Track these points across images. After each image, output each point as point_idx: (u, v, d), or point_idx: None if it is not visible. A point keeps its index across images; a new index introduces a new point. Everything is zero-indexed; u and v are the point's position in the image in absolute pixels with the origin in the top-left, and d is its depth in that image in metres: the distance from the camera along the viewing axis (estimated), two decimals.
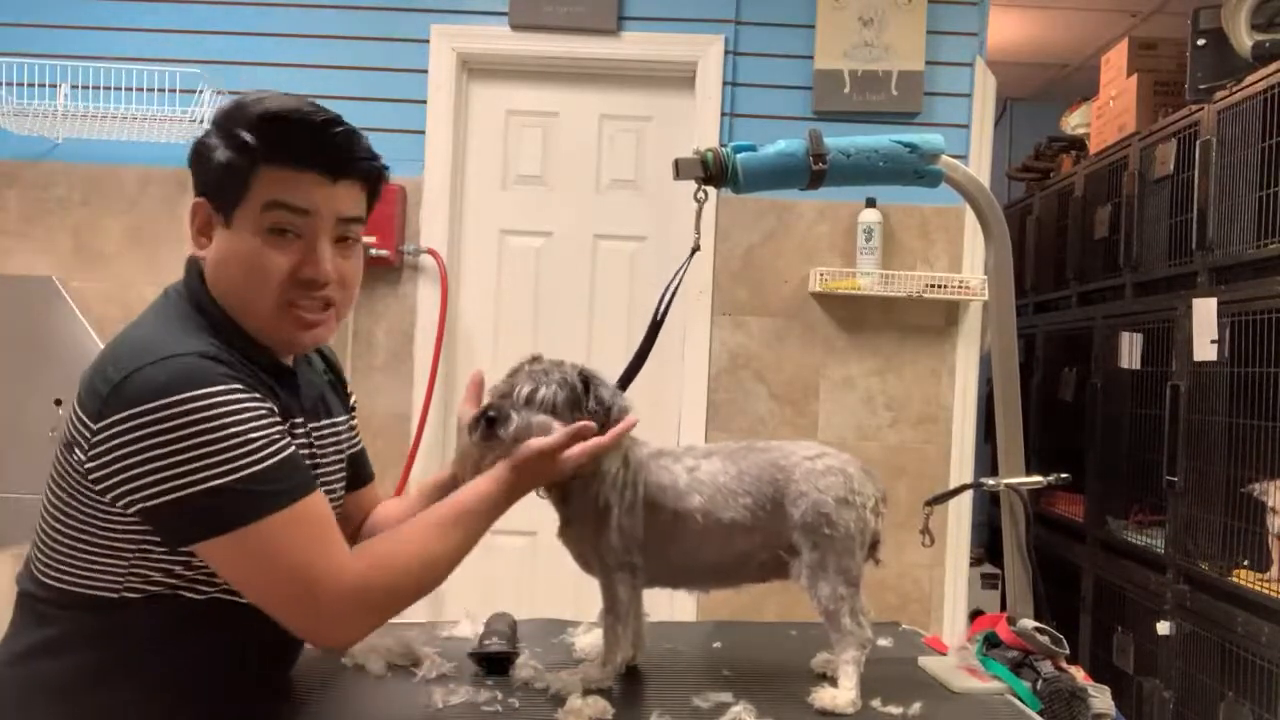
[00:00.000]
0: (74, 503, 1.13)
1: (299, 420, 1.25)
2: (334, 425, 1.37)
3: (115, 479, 1.08)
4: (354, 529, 1.49)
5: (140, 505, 1.08)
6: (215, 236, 1.22)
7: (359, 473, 1.48)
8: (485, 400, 1.34)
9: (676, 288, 1.51)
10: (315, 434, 1.30)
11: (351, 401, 1.48)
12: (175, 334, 1.15)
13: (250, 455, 1.08)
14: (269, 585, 1.11)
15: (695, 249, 1.53)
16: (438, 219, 3.30)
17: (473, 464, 1.32)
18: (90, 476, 1.09)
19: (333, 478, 1.35)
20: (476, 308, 3.40)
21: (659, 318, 1.51)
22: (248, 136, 1.17)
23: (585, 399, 1.30)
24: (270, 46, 3.29)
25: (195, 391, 1.07)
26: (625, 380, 1.48)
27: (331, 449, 1.35)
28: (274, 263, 1.19)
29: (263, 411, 1.11)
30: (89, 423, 1.09)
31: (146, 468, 1.06)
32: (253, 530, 1.08)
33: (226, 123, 1.19)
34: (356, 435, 1.48)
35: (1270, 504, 2.49)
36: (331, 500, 1.34)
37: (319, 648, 1.17)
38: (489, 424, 1.28)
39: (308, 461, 1.24)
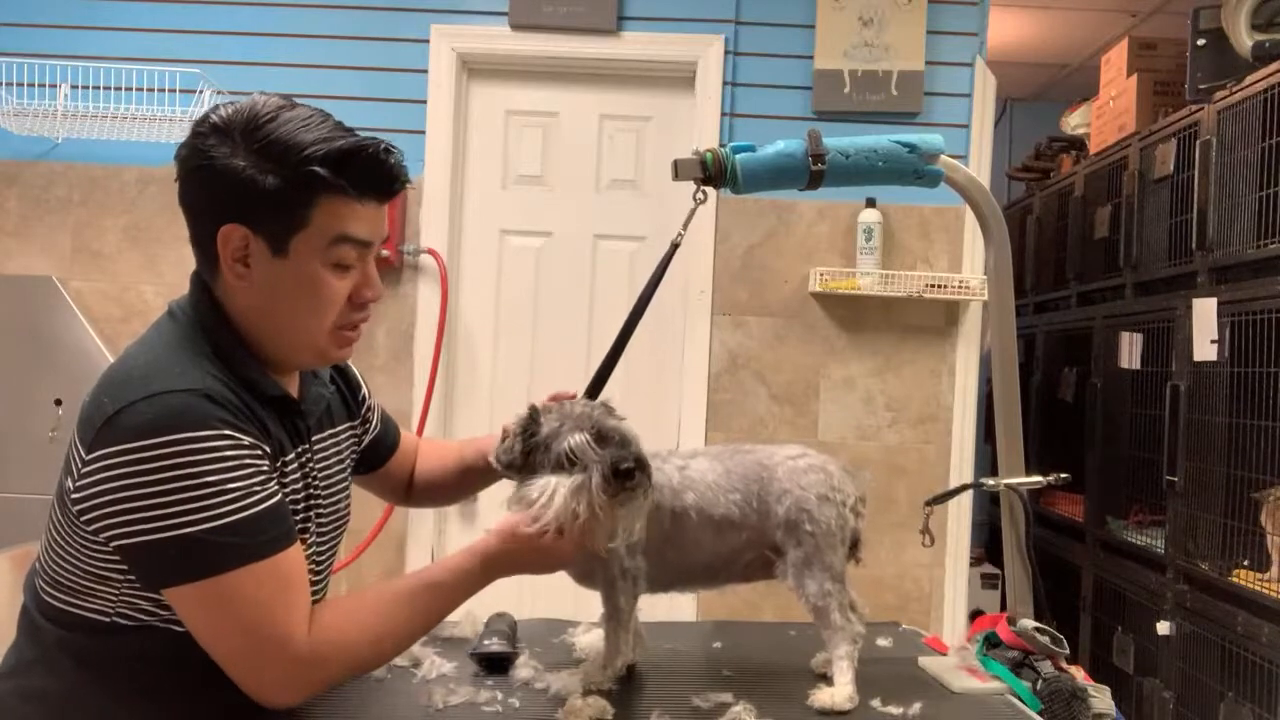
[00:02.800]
0: (67, 527, 1.13)
1: (295, 452, 1.23)
2: (335, 435, 1.37)
3: (96, 512, 1.08)
4: (404, 484, 1.58)
5: (117, 542, 1.08)
6: (259, 264, 1.16)
7: (386, 440, 1.52)
8: (589, 455, 1.19)
9: (657, 284, 1.51)
10: (318, 447, 1.30)
11: (361, 395, 1.48)
12: (177, 364, 1.13)
13: (224, 506, 1.06)
14: (220, 637, 1.10)
15: (675, 245, 1.54)
16: (438, 219, 3.30)
17: (570, 523, 1.18)
18: (75, 507, 1.09)
19: (336, 486, 1.35)
20: (476, 308, 3.40)
21: (637, 310, 1.50)
22: (313, 169, 1.13)
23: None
24: (270, 46, 3.29)
25: (180, 434, 1.06)
26: (600, 378, 1.48)
27: (334, 458, 1.35)
28: (339, 292, 1.19)
29: (246, 459, 1.10)
30: (82, 452, 1.09)
31: (124, 506, 1.06)
32: (215, 582, 1.07)
33: (271, 149, 1.13)
34: (372, 421, 1.50)
35: (1271, 530, 2.49)
36: (339, 505, 1.36)
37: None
38: (625, 476, 1.18)
39: (303, 483, 1.24)
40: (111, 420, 1.07)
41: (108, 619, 1.14)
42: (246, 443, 1.10)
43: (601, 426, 1.21)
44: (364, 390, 1.50)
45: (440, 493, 1.62)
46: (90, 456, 1.08)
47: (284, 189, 1.13)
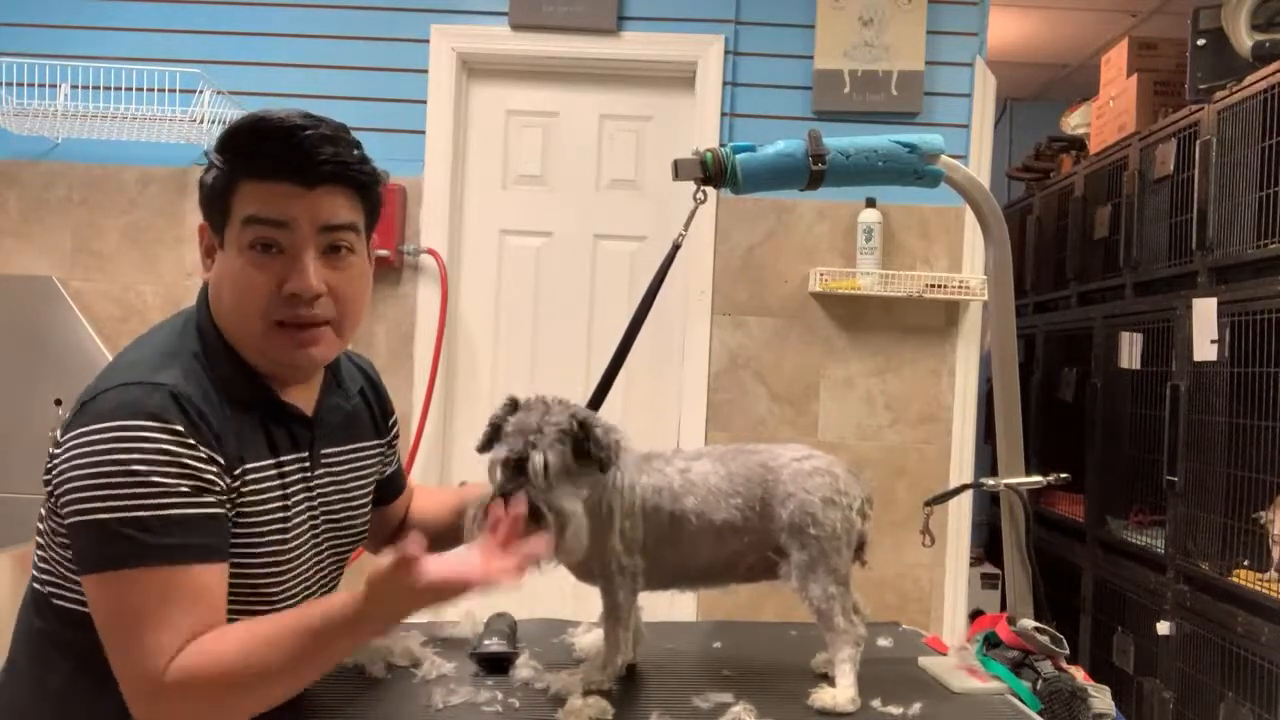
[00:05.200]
0: (47, 512, 1.14)
1: (273, 461, 1.20)
2: (360, 451, 1.36)
3: (55, 492, 1.09)
4: (391, 531, 1.53)
5: (66, 522, 1.08)
6: (217, 259, 1.20)
7: (394, 487, 1.50)
8: (495, 478, 1.22)
9: (659, 287, 1.51)
10: (328, 460, 1.29)
11: (392, 420, 1.47)
12: (157, 359, 1.14)
13: (140, 498, 1.04)
14: (105, 636, 1.06)
15: (677, 245, 1.54)
16: (438, 219, 3.30)
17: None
18: (47, 489, 1.11)
19: (355, 502, 1.35)
20: (476, 308, 3.40)
21: (639, 319, 1.50)
22: (220, 155, 1.17)
23: (586, 444, 1.24)
24: (270, 46, 3.29)
25: (125, 422, 1.06)
26: (605, 384, 1.48)
27: (350, 472, 1.34)
28: (257, 280, 1.16)
29: (185, 460, 1.07)
30: (58, 435, 1.11)
31: (69, 486, 1.06)
32: (112, 576, 1.04)
33: (215, 145, 1.19)
34: (394, 454, 1.49)
35: (1275, 533, 2.49)
36: (354, 524, 1.35)
37: None
38: (536, 521, 1.18)
39: (280, 491, 1.21)
40: (84, 406, 1.10)
41: (84, 610, 1.13)
42: (190, 443, 1.08)
43: (528, 453, 1.20)
44: (395, 418, 1.49)
45: (428, 537, 1.59)
46: (61, 439, 1.10)
47: (214, 181, 1.18)
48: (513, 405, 1.27)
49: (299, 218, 1.16)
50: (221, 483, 1.11)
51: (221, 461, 1.11)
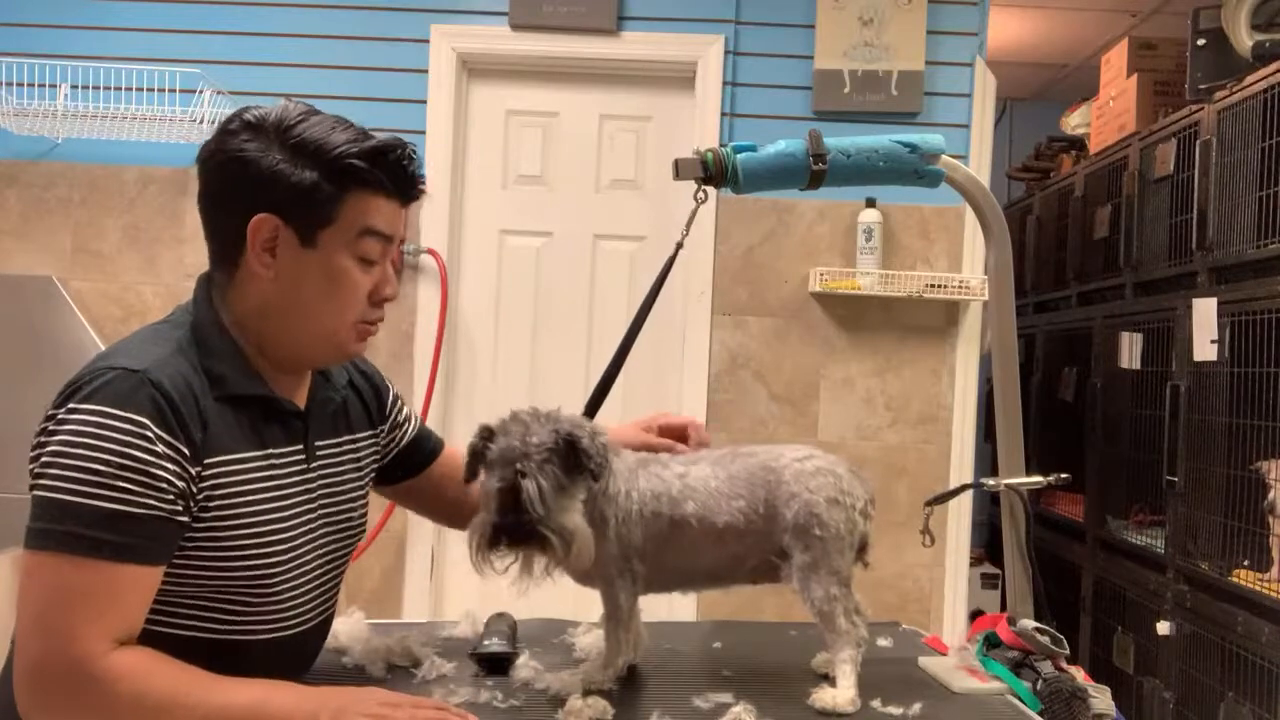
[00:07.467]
0: None
1: (261, 454, 1.19)
2: (354, 442, 1.37)
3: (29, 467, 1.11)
4: (449, 496, 1.52)
5: (30, 495, 1.09)
6: (286, 253, 1.19)
7: (425, 450, 1.51)
8: (490, 508, 1.21)
9: (659, 289, 1.51)
10: (323, 453, 1.30)
11: (385, 401, 1.46)
12: (141, 349, 1.15)
13: (82, 484, 1.05)
14: (39, 611, 1.05)
15: (679, 245, 1.54)
16: (438, 219, 3.30)
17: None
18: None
19: (352, 494, 1.35)
20: (476, 308, 3.40)
21: (640, 319, 1.50)
22: (351, 163, 1.19)
23: (574, 457, 1.23)
24: (270, 46, 3.29)
25: (95, 406, 1.08)
26: (604, 386, 1.48)
27: (345, 466, 1.34)
28: (363, 285, 1.23)
29: (141, 457, 1.07)
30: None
31: (36, 464, 1.09)
32: (43, 558, 1.05)
33: (304, 146, 1.18)
34: (405, 428, 1.49)
35: (1272, 495, 2.47)
36: (352, 516, 1.36)
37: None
38: (541, 547, 1.20)
39: (291, 488, 1.22)
40: (70, 387, 1.12)
41: None
42: (152, 435, 1.08)
43: (519, 482, 1.19)
44: (391, 395, 1.48)
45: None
46: (46, 414, 1.12)
47: (318, 183, 1.18)
48: (488, 432, 1.25)
49: (397, 233, 1.27)
50: (181, 480, 1.10)
51: (186, 452, 1.11)
